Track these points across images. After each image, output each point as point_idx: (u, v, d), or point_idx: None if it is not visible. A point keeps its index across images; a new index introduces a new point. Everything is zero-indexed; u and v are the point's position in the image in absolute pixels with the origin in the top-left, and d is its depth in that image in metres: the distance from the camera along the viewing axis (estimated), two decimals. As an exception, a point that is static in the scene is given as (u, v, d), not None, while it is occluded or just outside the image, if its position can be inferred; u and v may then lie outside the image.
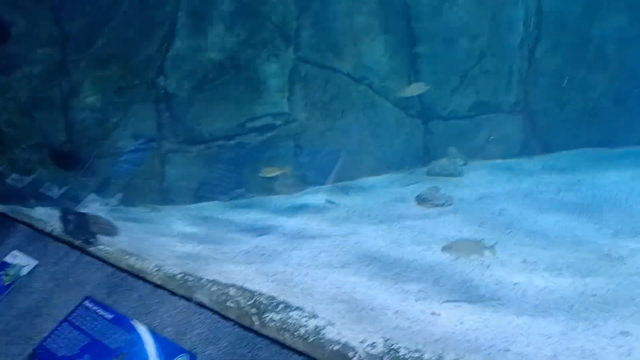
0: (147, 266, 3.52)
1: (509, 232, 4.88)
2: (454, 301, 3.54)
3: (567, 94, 7.38)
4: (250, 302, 3.06)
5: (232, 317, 2.93)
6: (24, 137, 6.17)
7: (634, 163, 6.61)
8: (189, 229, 5.46)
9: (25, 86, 6.07)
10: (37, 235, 4.14)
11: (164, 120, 6.49)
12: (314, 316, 2.95)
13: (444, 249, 4.19)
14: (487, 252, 4.03)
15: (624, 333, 3.04)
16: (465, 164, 7.15)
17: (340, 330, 2.83)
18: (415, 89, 6.85)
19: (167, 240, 4.88)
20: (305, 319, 2.89)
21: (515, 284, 3.80)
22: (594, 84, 7.33)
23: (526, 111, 7.50)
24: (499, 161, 7.33)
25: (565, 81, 7.12)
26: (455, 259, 4.10)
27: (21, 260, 3.83)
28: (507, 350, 2.84)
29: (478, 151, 7.38)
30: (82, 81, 6.23)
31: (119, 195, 6.29)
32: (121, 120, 6.35)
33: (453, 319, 3.25)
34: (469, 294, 3.68)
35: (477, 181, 6.57)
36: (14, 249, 3.98)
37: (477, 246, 4.10)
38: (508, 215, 5.31)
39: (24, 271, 3.73)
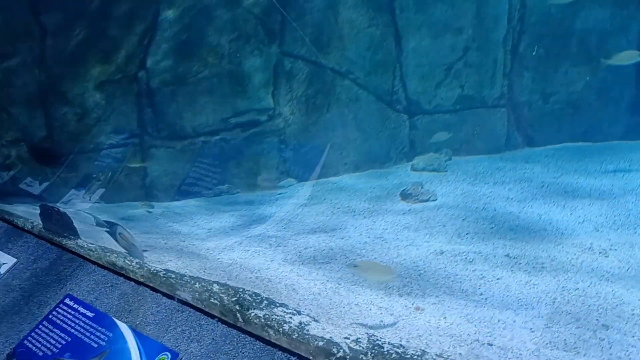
0: (129, 263, 3.48)
1: (493, 227, 4.90)
2: (438, 296, 3.55)
3: (550, 88, 7.42)
4: (234, 298, 3.03)
5: (215, 314, 2.91)
6: (3, 133, 6.06)
7: (616, 157, 6.68)
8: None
9: (3, 81, 5.96)
10: (17, 232, 4.08)
11: (146, 115, 6.41)
12: (298, 312, 2.94)
13: (349, 265, 4.00)
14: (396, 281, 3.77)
15: (606, 326, 3.07)
16: (449, 159, 7.17)
17: (325, 327, 2.82)
18: (627, 57, 6.47)
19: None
20: (289, 315, 2.88)
21: (498, 278, 3.82)
22: (577, 77, 7.37)
23: (510, 105, 7.52)
24: (483, 156, 7.35)
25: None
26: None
27: (0, 258, 3.76)
28: (490, 345, 2.85)
29: (462, 146, 7.40)
30: (61, 75, 6.13)
31: (100, 192, 6.21)
32: (102, 116, 6.27)
33: (437, 314, 3.26)
34: (452, 288, 3.69)
35: (461, 176, 6.59)
36: (-8, 247, 3.92)
37: (387, 271, 3.76)
38: (492, 210, 5.34)
39: (3, 269, 3.67)
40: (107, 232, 4.13)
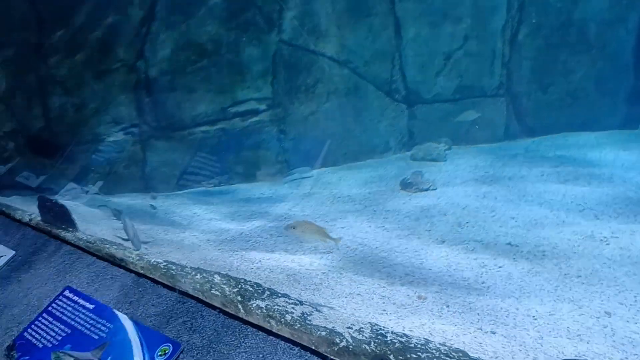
0: (129, 255, 3.45)
1: (494, 215, 4.89)
2: (440, 285, 3.54)
3: (549, 77, 7.39)
4: (236, 289, 3.01)
5: (217, 305, 2.89)
6: (0, 125, 6.01)
7: (615, 146, 6.67)
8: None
9: (0, 71, 5.90)
10: (15, 224, 4.05)
11: (145, 105, 6.36)
12: (300, 303, 2.92)
13: (287, 227, 3.82)
14: (329, 241, 3.73)
15: (608, 313, 3.07)
16: (449, 149, 7.15)
17: (327, 316, 2.80)
18: None
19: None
20: (291, 305, 2.86)
21: (500, 266, 3.81)
22: (575, 67, 7.34)
23: (509, 94, 7.50)
24: (482, 145, 7.34)
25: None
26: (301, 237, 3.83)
27: (-2, 251, 3.74)
28: (493, 333, 2.84)
29: (462, 135, 7.38)
30: (59, 65, 6.07)
31: (99, 183, 6.17)
32: (100, 106, 6.22)
33: (439, 302, 3.25)
34: (454, 277, 3.68)
35: (460, 165, 6.57)
36: (-10, 239, 3.89)
37: (320, 232, 3.72)
38: (492, 199, 5.32)
39: (1, 262, 3.64)
40: (116, 220, 4.15)
